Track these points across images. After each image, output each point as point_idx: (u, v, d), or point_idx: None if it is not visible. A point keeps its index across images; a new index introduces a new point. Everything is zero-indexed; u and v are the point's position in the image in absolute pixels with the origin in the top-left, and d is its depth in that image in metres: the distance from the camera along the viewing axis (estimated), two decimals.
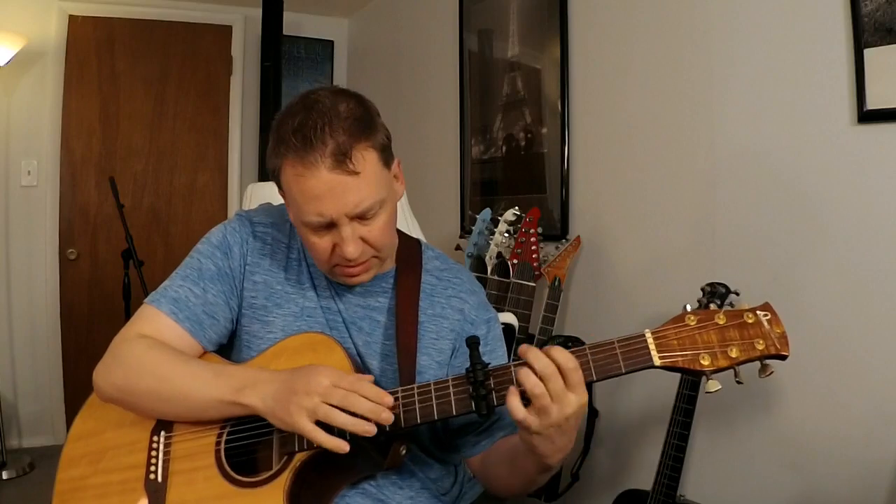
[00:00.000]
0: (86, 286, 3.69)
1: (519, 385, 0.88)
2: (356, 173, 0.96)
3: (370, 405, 0.92)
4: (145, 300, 1.10)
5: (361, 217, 1.00)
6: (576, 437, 0.93)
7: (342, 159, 0.95)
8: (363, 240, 1.02)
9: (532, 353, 0.88)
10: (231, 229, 1.15)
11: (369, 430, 0.91)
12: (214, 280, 1.11)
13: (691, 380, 1.64)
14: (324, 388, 0.92)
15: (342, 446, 0.92)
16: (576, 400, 0.87)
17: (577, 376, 0.87)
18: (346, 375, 0.95)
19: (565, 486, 2.18)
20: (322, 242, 1.02)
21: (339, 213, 0.98)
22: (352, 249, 1.00)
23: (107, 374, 1.06)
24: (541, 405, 0.86)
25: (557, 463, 0.94)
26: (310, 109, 0.97)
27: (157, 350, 1.05)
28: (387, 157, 1.04)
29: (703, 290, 1.64)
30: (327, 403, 0.91)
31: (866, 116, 1.50)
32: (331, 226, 1.00)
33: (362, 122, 0.99)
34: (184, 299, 1.08)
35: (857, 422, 1.55)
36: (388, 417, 0.92)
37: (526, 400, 0.88)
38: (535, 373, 0.87)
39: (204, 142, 3.97)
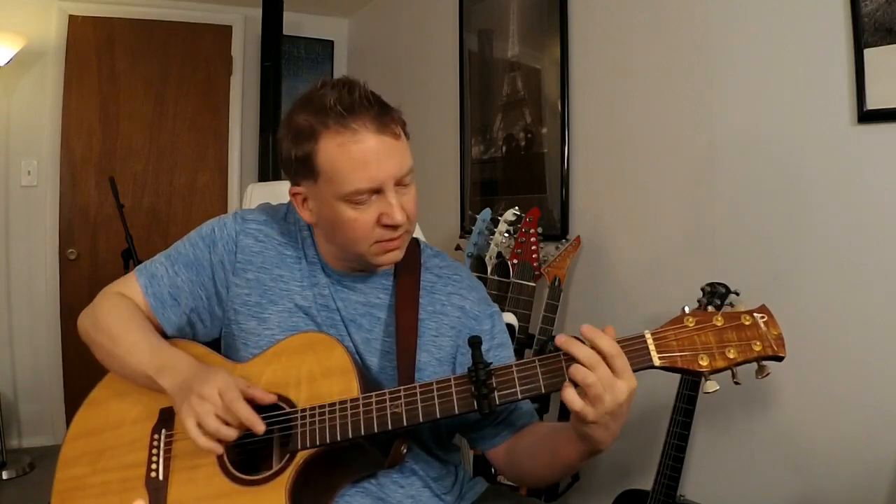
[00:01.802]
0: (86, 286, 3.68)
1: (570, 378, 0.89)
2: (398, 136, 1.02)
3: (232, 433, 0.97)
4: (136, 268, 1.20)
5: (401, 182, 1.04)
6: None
7: (387, 121, 1.00)
8: (402, 209, 1.04)
9: (574, 344, 0.89)
10: (221, 225, 1.18)
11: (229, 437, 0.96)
12: (189, 267, 1.16)
13: (691, 380, 1.64)
14: (212, 398, 0.96)
15: (216, 449, 0.97)
16: (626, 386, 0.88)
17: (621, 362, 0.88)
18: (231, 390, 0.97)
19: (565, 486, 2.19)
20: (364, 216, 1.03)
21: (388, 176, 1.01)
22: (400, 215, 1.02)
23: (83, 318, 1.17)
24: (594, 394, 0.87)
25: (607, 448, 0.95)
26: (342, 87, 1.01)
27: (120, 310, 1.13)
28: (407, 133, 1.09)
29: (703, 290, 1.65)
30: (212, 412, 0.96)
31: (866, 116, 1.51)
32: (375, 194, 1.02)
33: (384, 101, 1.05)
34: (158, 277, 1.16)
35: (856, 422, 1.55)
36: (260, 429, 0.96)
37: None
38: (580, 362, 0.88)
39: (204, 142, 3.97)
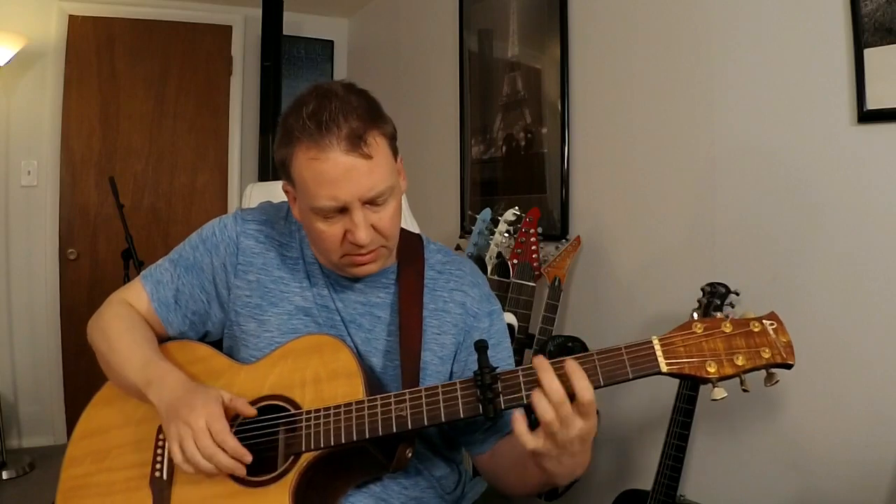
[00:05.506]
0: (86, 286, 3.69)
1: (531, 404, 0.88)
2: (370, 157, 0.98)
3: (229, 462, 0.95)
4: (141, 273, 1.21)
5: (372, 203, 1.01)
6: (588, 457, 0.93)
7: (357, 142, 0.97)
8: (373, 227, 1.02)
9: (547, 378, 0.87)
10: (222, 226, 1.18)
11: (223, 471, 0.96)
12: (190, 270, 1.17)
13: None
14: (198, 429, 0.95)
15: (190, 471, 0.96)
16: (584, 424, 0.87)
17: (589, 409, 0.87)
18: (219, 421, 0.96)
19: (565, 486, 2.19)
20: (332, 230, 1.02)
21: (353, 197, 0.99)
22: (363, 235, 1.00)
23: (91, 326, 1.19)
24: (549, 432, 0.87)
25: (567, 481, 0.95)
26: (323, 97, 0.99)
27: (123, 321, 1.14)
28: (394, 147, 1.06)
29: (703, 289, 1.65)
30: (195, 442, 0.95)
31: (866, 116, 1.51)
32: (342, 211, 1.01)
33: (373, 112, 1.02)
34: (163, 283, 1.17)
35: (857, 422, 1.55)
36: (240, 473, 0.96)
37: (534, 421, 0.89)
38: (544, 393, 0.87)
39: (204, 142, 3.97)
